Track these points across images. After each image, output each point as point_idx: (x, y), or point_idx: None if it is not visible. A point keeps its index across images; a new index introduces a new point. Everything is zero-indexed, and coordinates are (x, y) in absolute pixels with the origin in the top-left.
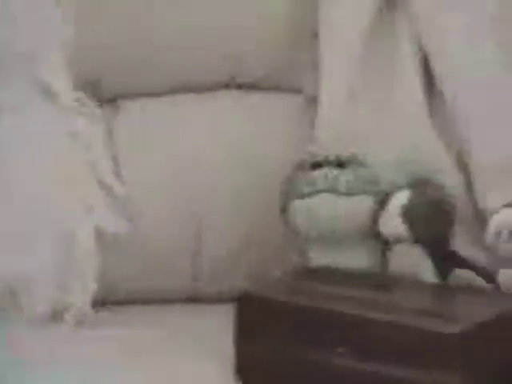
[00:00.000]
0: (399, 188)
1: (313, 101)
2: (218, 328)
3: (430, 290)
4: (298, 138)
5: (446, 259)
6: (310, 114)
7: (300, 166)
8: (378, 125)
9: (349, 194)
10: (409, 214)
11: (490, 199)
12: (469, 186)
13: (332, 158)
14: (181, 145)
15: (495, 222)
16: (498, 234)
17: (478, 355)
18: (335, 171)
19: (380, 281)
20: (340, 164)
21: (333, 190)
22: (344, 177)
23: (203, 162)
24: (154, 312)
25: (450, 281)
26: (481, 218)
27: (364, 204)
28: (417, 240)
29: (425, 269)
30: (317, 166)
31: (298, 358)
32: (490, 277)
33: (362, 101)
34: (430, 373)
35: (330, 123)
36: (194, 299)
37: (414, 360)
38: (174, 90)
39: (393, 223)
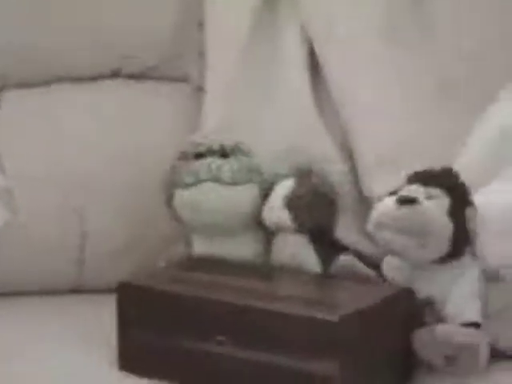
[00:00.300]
0: (283, 177)
1: (199, 90)
2: (102, 318)
3: (312, 278)
4: (184, 128)
5: (329, 248)
6: (196, 103)
7: (183, 156)
8: (263, 114)
9: (233, 183)
10: (292, 203)
11: (373, 188)
12: (354, 174)
13: (216, 147)
14: (63, 136)
15: (375, 213)
16: (378, 224)
17: (359, 342)
18: (219, 161)
19: (262, 270)
20: (224, 154)
21: (216, 180)
22: (227, 166)
23: (86, 153)
24: (38, 303)
25: (333, 269)
26: (366, 207)
27: (248, 193)
28: (300, 229)
29: (308, 257)
30: (200, 155)
31: (178, 346)
32: (374, 265)
33: (246, 90)
34: (311, 360)
35: (214, 113)
36: (78, 290)
37: (294, 348)
38: (56, 81)
39: (276, 212)
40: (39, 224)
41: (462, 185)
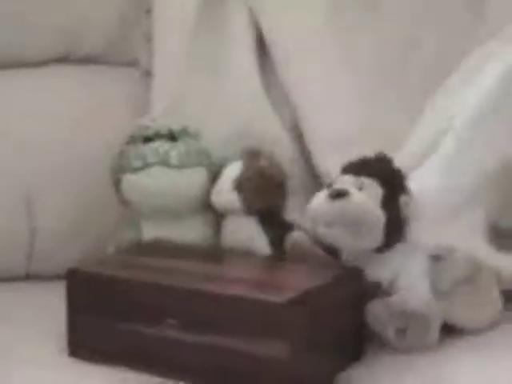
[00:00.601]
0: (232, 161)
1: (148, 75)
2: (52, 305)
3: (261, 261)
4: (133, 112)
5: (278, 229)
6: (145, 87)
7: (131, 140)
8: (212, 98)
9: (181, 166)
10: (240, 185)
11: (323, 170)
12: (304, 156)
13: (163, 131)
14: (11, 121)
15: (309, 208)
16: (312, 220)
17: (307, 324)
18: (166, 145)
19: (212, 253)
20: (172, 138)
21: (164, 164)
22: (175, 150)
23: (34, 138)
24: None
25: (285, 247)
26: (316, 189)
27: (196, 176)
28: (249, 211)
29: (258, 239)
30: (148, 139)
31: (128, 331)
32: (324, 246)
33: (195, 74)
34: (261, 343)
35: (162, 97)
36: (29, 277)
37: (244, 331)
38: (3, 66)
39: (225, 195)
40: None
41: (397, 172)
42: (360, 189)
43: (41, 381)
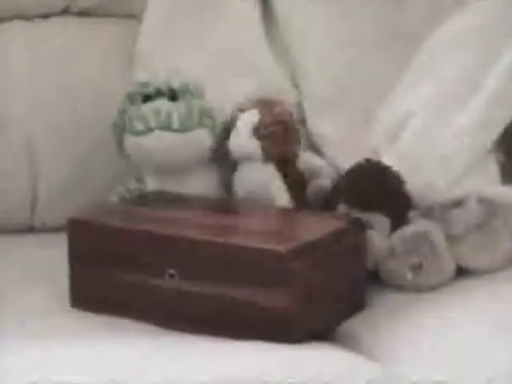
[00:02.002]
0: (244, 109)
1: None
2: (55, 257)
3: (270, 211)
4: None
5: (294, 176)
6: None
7: (131, 97)
8: (213, 49)
9: (182, 130)
10: (259, 132)
11: (318, 127)
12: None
13: (164, 89)
14: (9, 71)
15: None
16: None
17: (308, 273)
18: (167, 106)
19: (218, 204)
20: (172, 96)
21: (166, 127)
22: (177, 112)
23: (32, 88)
24: None
25: (299, 198)
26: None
27: (198, 139)
28: (268, 158)
29: (275, 186)
30: (148, 97)
31: (130, 281)
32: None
33: (190, 25)
34: (262, 292)
35: (151, 48)
36: (32, 229)
37: (245, 280)
38: (7, 19)
39: (244, 142)
40: None
41: (398, 189)
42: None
43: (44, 330)
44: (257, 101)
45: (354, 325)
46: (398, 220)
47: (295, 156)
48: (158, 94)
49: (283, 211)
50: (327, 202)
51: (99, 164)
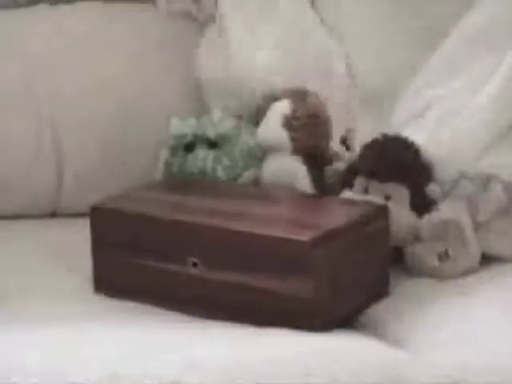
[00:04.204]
0: (277, 99)
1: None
2: (79, 242)
3: (295, 199)
4: (153, 50)
5: (322, 170)
6: (162, 26)
7: (173, 151)
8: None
9: (232, 178)
10: (290, 123)
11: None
12: None
13: (202, 138)
14: (34, 56)
15: None
16: None
17: (331, 261)
18: (210, 160)
19: (245, 192)
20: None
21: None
22: (220, 164)
23: (58, 75)
24: (15, 228)
25: (326, 191)
26: None
27: (247, 177)
28: (297, 149)
29: (301, 178)
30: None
31: (152, 268)
32: None
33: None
34: (284, 280)
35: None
36: (57, 214)
37: (267, 269)
38: (34, 2)
39: (274, 133)
40: (15, 148)
41: (418, 162)
42: (387, 198)
43: (68, 315)
44: (290, 91)
45: (379, 312)
46: (417, 190)
47: (324, 150)
48: (197, 139)
49: (308, 198)
50: (345, 181)
51: (125, 152)
